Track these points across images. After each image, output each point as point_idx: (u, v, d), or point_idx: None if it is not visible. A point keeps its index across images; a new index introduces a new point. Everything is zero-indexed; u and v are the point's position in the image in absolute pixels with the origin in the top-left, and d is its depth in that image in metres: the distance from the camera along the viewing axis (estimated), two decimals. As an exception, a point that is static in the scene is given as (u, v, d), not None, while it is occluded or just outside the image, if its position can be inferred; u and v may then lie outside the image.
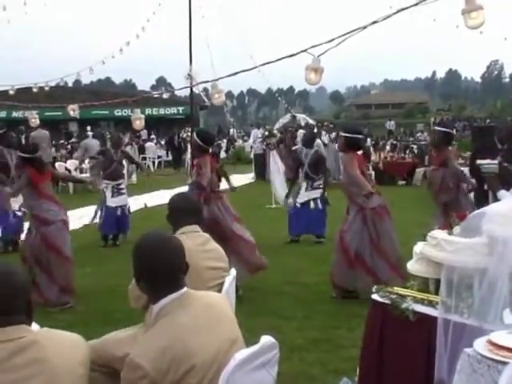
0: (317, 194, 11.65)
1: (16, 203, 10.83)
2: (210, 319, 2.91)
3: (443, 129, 8.27)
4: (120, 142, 12.65)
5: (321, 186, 11.74)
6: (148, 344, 2.74)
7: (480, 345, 3.06)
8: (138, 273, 2.92)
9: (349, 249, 7.77)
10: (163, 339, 2.72)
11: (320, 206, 11.60)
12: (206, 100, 10.77)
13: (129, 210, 12.16)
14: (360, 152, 8.27)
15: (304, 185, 11.65)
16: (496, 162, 8.40)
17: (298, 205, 11.71)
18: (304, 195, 11.66)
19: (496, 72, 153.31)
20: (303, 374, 5.58)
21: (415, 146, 28.31)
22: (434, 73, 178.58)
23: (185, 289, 2.94)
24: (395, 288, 4.19)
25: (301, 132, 24.05)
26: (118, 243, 11.81)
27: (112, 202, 11.67)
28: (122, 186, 11.99)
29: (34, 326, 3.35)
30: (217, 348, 2.82)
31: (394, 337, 4.03)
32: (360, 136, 8.32)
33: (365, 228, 7.81)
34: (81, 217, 14.78)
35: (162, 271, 2.87)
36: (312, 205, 11.59)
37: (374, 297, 4.20)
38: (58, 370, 2.31)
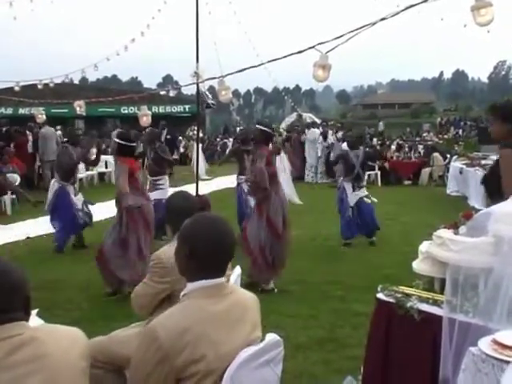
0: (364, 191, 11.70)
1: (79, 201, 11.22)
2: (235, 317, 2.92)
3: (262, 127, 8.50)
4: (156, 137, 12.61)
5: (365, 184, 12.00)
6: (172, 320, 2.77)
7: (485, 344, 3.05)
8: (190, 247, 2.91)
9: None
10: (187, 320, 2.74)
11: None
12: (208, 100, 10.71)
13: None
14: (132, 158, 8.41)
15: (349, 186, 11.54)
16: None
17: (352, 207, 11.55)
18: (354, 196, 11.53)
19: (503, 72, 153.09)
20: (307, 372, 5.57)
21: (421, 146, 28.24)
22: (441, 73, 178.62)
23: (224, 279, 2.97)
24: (400, 287, 4.19)
25: (312, 131, 24.08)
26: None
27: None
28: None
29: (38, 322, 3.36)
30: (233, 347, 2.82)
31: (398, 336, 4.02)
32: (132, 144, 8.46)
33: (117, 227, 8.13)
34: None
35: (218, 253, 2.91)
36: (367, 200, 11.59)
37: (379, 296, 4.19)
38: (58, 365, 2.31)
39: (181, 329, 2.70)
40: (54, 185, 11.31)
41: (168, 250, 3.99)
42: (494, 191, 5.20)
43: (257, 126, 8.73)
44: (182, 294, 2.96)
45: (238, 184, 11.71)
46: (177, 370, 2.68)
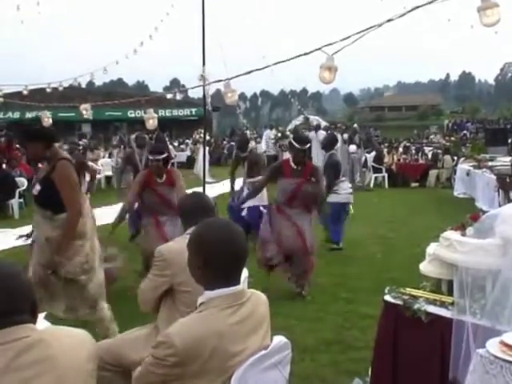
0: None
1: None
2: (251, 326, 2.91)
3: None
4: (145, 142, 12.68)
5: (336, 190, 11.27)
6: (189, 329, 2.76)
7: (493, 346, 3.05)
8: (204, 257, 2.88)
9: None
10: (205, 332, 2.74)
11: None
12: (208, 103, 10.62)
13: None
14: None
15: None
16: (508, 163, 8.38)
17: None
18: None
19: (510, 74, 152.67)
20: (315, 374, 5.56)
21: (429, 149, 28.21)
22: (448, 75, 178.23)
23: (241, 286, 2.96)
24: (408, 289, 4.19)
25: (321, 133, 24.05)
26: None
27: None
28: None
29: (45, 324, 3.37)
30: (245, 358, 2.83)
31: (407, 338, 4.02)
32: None
33: None
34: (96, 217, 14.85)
35: (233, 259, 2.89)
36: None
37: (387, 298, 4.19)
38: (65, 367, 2.31)
39: (198, 339, 2.70)
40: None
41: (171, 245, 4.08)
42: None
43: None
44: (199, 301, 2.93)
45: (242, 188, 11.71)
46: (185, 377, 2.70)
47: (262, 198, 11.23)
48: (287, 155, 17.45)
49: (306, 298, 8.07)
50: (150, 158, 8.04)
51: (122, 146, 22.22)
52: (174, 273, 3.85)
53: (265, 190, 11.29)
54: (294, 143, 8.13)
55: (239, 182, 12.40)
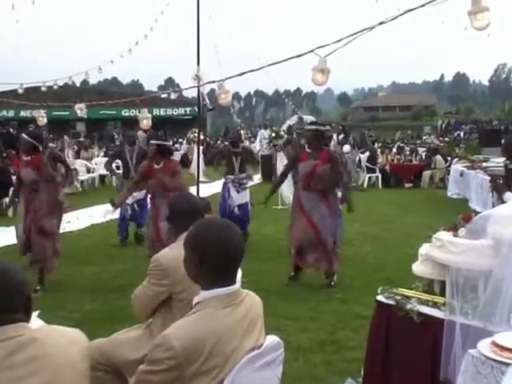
0: None
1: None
2: (246, 325, 2.90)
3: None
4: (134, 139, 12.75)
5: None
6: (187, 330, 2.73)
7: (484, 346, 3.07)
8: (202, 255, 2.86)
9: None
10: (203, 332, 2.72)
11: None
12: (207, 102, 10.54)
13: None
14: None
15: None
16: (502, 164, 8.40)
17: None
18: None
19: (504, 75, 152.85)
20: (308, 374, 5.57)
21: (422, 149, 28.26)
22: (442, 76, 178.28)
23: (237, 286, 2.94)
24: (400, 289, 4.21)
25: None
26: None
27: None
28: None
29: (39, 323, 3.38)
30: (242, 356, 2.83)
31: (399, 338, 4.03)
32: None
33: None
34: (90, 216, 14.85)
35: (230, 258, 2.87)
36: None
37: (379, 298, 4.20)
38: (58, 366, 2.31)
39: (196, 340, 2.68)
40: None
41: (168, 253, 3.99)
42: None
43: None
44: (195, 301, 2.91)
45: (225, 183, 11.82)
46: (183, 379, 2.68)
47: (247, 195, 11.54)
48: (281, 155, 17.53)
49: (332, 286, 8.58)
50: (151, 142, 8.70)
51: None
52: (175, 281, 3.79)
53: (248, 191, 11.59)
54: (305, 126, 8.61)
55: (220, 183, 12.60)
